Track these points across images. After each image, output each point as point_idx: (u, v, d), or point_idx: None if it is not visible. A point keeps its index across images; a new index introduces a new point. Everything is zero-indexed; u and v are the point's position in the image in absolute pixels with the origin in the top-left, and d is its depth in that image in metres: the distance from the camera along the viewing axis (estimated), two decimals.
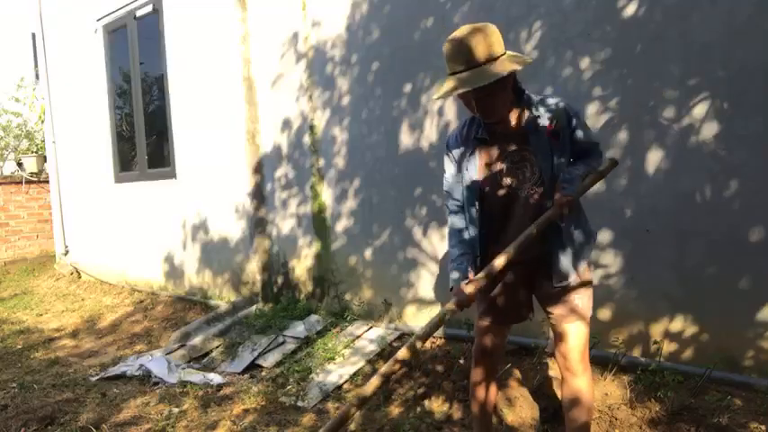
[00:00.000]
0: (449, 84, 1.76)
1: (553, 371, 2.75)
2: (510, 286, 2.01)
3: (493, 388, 2.13)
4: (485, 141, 1.92)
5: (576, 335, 1.94)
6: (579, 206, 1.93)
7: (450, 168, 2.03)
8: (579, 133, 1.89)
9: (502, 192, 1.90)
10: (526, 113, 1.86)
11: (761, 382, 2.35)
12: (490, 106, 1.80)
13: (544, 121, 1.84)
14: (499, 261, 1.81)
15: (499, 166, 1.89)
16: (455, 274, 1.95)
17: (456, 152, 1.99)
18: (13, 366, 3.96)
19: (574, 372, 1.95)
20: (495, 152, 1.91)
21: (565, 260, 1.89)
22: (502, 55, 1.75)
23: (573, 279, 1.91)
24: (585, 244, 1.96)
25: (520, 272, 1.99)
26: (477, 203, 1.93)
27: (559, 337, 1.96)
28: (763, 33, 2.34)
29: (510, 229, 1.91)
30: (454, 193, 2.02)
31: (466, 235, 2.00)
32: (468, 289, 1.83)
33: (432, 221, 3.43)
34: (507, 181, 1.89)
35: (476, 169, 1.93)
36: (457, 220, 2.03)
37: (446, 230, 2.28)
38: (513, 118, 1.88)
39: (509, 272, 1.96)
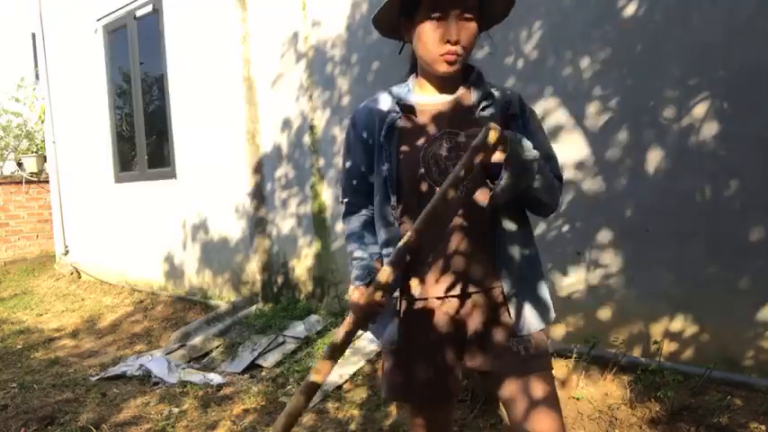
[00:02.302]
0: None
1: None
2: (434, 337, 1.38)
3: None
4: (410, 114, 1.42)
5: (550, 414, 1.30)
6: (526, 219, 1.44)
7: (356, 153, 1.50)
8: (538, 135, 1.41)
9: (425, 187, 1.36)
10: (472, 92, 1.41)
11: (761, 382, 2.35)
12: (468, 38, 1.33)
13: (495, 105, 1.39)
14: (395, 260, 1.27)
15: (426, 152, 1.38)
16: (356, 273, 1.45)
17: (366, 131, 1.49)
18: (13, 366, 3.97)
19: None
20: (422, 134, 1.40)
21: (542, 293, 1.40)
22: None
23: (541, 326, 1.37)
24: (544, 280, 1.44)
25: (451, 310, 1.38)
26: (394, 200, 1.40)
27: (525, 416, 1.30)
28: (763, 33, 2.34)
29: (438, 242, 1.36)
30: (358, 187, 1.51)
31: (373, 243, 1.51)
32: (355, 296, 1.36)
33: None
34: (434, 173, 1.36)
35: (394, 154, 1.40)
36: (360, 225, 1.54)
37: None
38: (456, 92, 1.43)
39: (430, 307, 1.38)
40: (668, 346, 2.62)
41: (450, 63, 1.34)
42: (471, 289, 1.36)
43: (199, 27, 4.89)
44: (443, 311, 1.38)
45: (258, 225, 4.51)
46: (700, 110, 2.48)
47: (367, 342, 3.48)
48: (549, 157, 1.41)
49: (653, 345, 2.64)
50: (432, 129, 1.40)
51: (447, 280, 1.36)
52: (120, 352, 4.23)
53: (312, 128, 4.10)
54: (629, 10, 2.64)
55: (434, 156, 1.37)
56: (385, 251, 1.45)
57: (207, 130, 4.90)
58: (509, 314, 1.35)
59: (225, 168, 4.76)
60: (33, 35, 7.10)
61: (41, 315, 5.53)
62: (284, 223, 4.37)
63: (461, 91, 1.43)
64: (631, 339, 2.72)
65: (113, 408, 3.06)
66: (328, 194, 4.04)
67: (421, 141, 1.39)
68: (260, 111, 4.47)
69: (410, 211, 1.39)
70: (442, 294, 1.37)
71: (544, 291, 1.42)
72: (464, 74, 1.43)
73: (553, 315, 1.43)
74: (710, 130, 2.46)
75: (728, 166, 2.43)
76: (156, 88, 5.69)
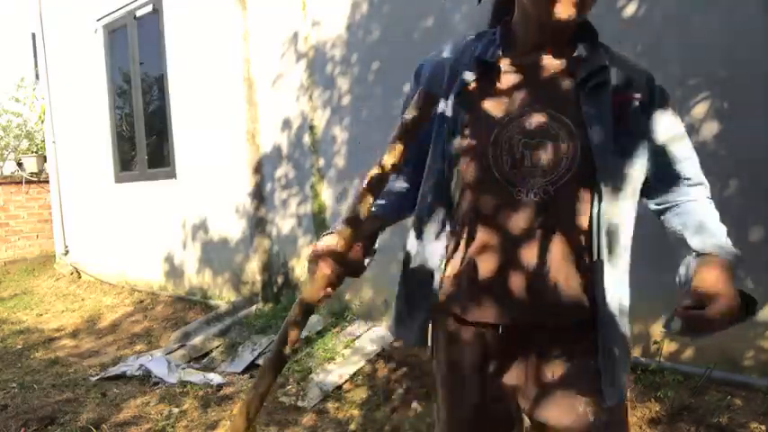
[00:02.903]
0: None
1: None
2: (490, 371, 1.09)
3: None
4: (490, 77, 1.04)
5: None
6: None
7: (410, 112, 0.97)
8: (684, 142, 1.09)
9: (486, 183, 1.02)
10: (582, 58, 1.03)
11: (761, 382, 2.35)
12: None
13: (616, 81, 1.02)
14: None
15: (501, 134, 1.00)
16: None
17: (430, 87, 1.09)
18: (13, 366, 3.96)
19: None
20: (499, 107, 1.02)
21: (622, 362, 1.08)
22: None
23: (621, 400, 1.08)
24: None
25: (522, 343, 1.07)
26: (450, 186, 1.06)
27: None
28: (763, 33, 2.34)
29: (500, 255, 1.03)
30: (411, 159, 1.10)
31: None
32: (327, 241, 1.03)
33: None
34: (505, 164, 1.00)
35: (459, 129, 1.04)
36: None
37: None
38: (558, 56, 1.04)
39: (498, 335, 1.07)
40: (668, 346, 2.62)
41: (573, 5, 0.95)
42: (543, 319, 1.04)
43: (199, 27, 4.89)
44: (494, 338, 1.07)
45: (258, 225, 4.51)
46: (700, 110, 2.48)
47: (367, 342, 3.48)
48: (698, 180, 1.17)
49: (653, 345, 2.64)
50: (514, 102, 1.01)
51: (509, 301, 1.03)
52: (120, 352, 4.23)
53: (312, 128, 4.10)
54: (629, 10, 2.64)
55: (509, 141, 0.99)
56: (436, 261, 1.10)
57: (207, 130, 4.90)
58: (593, 368, 1.04)
59: (225, 168, 4.76)
60: (33, 35, 7.10)
61: (41, 315, 5.53)
62: (284, 223, 4.37)
63: (565, 55, 1.04)
64: (631, 339, 2.72)
65: (113, 408, 3.06)
66: (328, 194, 4.04)
67: (496, 116, 1.01)
68: (260, 111, 4.47)
69: (467, 213, 1.05)
70: (492, 320, 1.05)
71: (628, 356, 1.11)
72: (574, 33, 1.05)
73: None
74: (710, 130, 2.46)
75: (728, 166, 2.43)
76: (156, 88, 5.69)
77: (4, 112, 8.36)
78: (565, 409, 1.05)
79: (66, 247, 6.97)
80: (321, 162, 4.07)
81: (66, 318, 5.33)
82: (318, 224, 4.12)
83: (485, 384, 1.10)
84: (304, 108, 4.14)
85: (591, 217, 1.01)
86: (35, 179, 7.76)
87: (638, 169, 1.04)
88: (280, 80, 4.29)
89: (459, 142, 1.04)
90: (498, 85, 1.04)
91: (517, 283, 1.02)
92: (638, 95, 1.03)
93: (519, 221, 1.01)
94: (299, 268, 4.29)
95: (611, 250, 1.05)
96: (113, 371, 3.67)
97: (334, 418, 2.77)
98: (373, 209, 1.05)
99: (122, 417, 2.94)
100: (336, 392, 3.03)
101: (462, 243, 1.06)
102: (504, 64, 1.05)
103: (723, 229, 1.07)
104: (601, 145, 0.98)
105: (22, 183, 7.68)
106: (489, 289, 1.04)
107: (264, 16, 4.36)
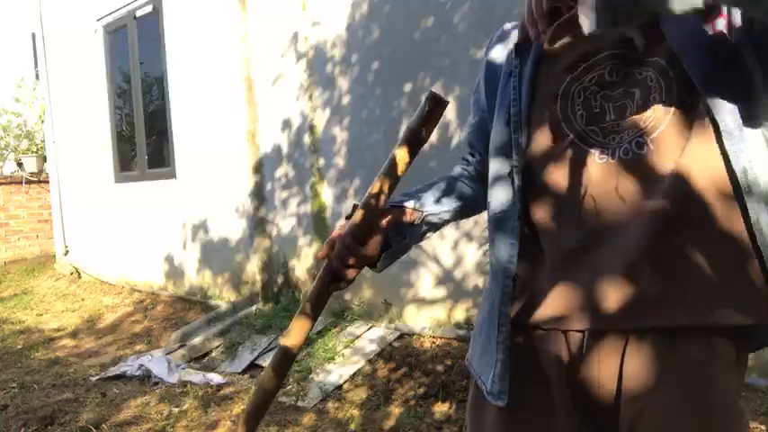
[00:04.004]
0: None
1: None
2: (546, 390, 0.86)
3: None
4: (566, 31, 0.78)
5: None
6: None
7: (480, 83, 1.00)
8: None
9: (558, 145, 0.84)
10: None
11: (761, 382, 2.35)
12: None
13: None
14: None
15: (572, 84, 0.83)
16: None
17: (499, 51, 0.97)
18: (13, 366, 3.96)
19: None
20: (571, 54, 0.83)
21: None
22: None
23: None
24: None
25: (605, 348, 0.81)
26: (517, 166, 0.87)
27: None
28: None
29: (575, 239, 0.82)
30: (475, 130, 1.05)
31: (430, 193, 1.07)
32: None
33: None
34: (576, 124, 0.82)
35: (526, 88, 0.87)
36: (444, 176, 1.12)
37: (445, 230, 2.17)
38: None
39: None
40: None
41: None
42: (674, 320, 0.76)
43: (199, 27, 4.89)
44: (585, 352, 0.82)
45: (258, 225, 4.51)
46: None
47: (367, 342, 3.48)
48: None
49: None
50: (589, 45, 0.81)
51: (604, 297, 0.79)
52: (120, 352, 4.23)
53: (312, 128, 4.10)
54: None
55: (583, 92, 0.81)
56: (505, 263, 0.88)
57: (207, 130, 4.90)
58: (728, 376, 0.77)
59: (225, 168, 4.76)
60: (33, 35, 7.11)
61: (41, 315, 5.53)
62: (284, 223, 4.37)
63: None
64: None
65: (113, 408, 3.06)
66: (328, 194, 4.04)
67: (567, 65, 0.83)
68: (260, 111, 4.47)
69: (540, 190, 0.85)
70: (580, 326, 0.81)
71: None
72: None
73: None
74: None
75: None
76: (156, 88, 5.69)
77: (4, 112, 8.35)
78: None
79: (66, 247, 6.97)
80: (321, 162, 4.07)
81: (67, 318, 5.33)
82: (318, 224, 4.12)
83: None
84: (304, 108, 4.14)
85: (720, 161, 0.74)
86: (35, 179, 7.76)
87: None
88: (280, 80, 4.29)
89: (522, 105, 0.87)
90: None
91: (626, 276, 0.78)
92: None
93: (605, 188, 0.78)
94: (299, 268, 4.29)
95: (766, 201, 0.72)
96: (113, 371, 3.67)
97: (334, 418, 2.77)
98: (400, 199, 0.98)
99: (122, 417, 2.94)
100: (336, 392, 3.04)
101: (543, 239, 0.86)
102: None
103: None
104: (699, 69, 0.74)
105: (22, 183, 7.68)
106: (584, 283, 0.81)
107: (264, 16, 4.36)
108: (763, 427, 2.16)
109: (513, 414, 0.86)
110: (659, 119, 0.76)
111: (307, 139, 4.14)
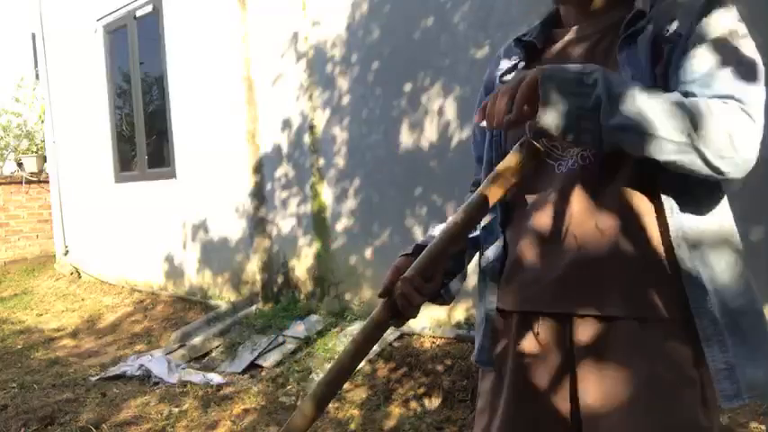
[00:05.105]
0: None
1: None
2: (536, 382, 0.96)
3: None
4: (532, 52, 1.02)
5: None
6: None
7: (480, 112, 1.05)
8: (702, 51, 0.84)
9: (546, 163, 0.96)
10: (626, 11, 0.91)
11: None
12: None
13: (657, 24, 0.87)
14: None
15: None
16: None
17: (489, 81, 1.10)
18: (13, 366, 3.96)
19: None
20: None
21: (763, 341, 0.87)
22: None
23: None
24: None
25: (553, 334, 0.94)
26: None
27: None
28: (763, 33, 2.33)
29: (535, 238, 0.95)
30: (476, 154, 1.13)
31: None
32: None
33: (432, 221, 3.43)
34: (543, 143, 0.91)
35: None
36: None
37: None
38: (602, 20, 0.96)
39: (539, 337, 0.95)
40: None
41: None
42: (612, 310, 0.88)
43: (199, 27, 4.89)
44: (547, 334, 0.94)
45: (258, 225, 4.51)
46: None
47: None
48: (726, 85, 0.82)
49: None
50: None
51: (557, 287, 0.92)
52: (120, 352, 4.23)
53: (312, 128, 4.10)
54: None
55: None
56: (484, 263, 1.04)
57: (207, 130, 4.90)
58: (695, 360, 0.85)
59: (225, 168, 4.76)
60: (33, 35, 7.11)
61: (41, 315, 5.53)
62: (284, 223, 4.37)
63: (612, 17, 0.94)
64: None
65: (113, 408, 3.06)
66: (328, 194, 4.04)
67: None
68: (260, 111, 4.47)
69: (519, 205, 0.99)
70: (543, 309, 0.94)
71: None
72: None
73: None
74: None
75: None
76: (156, 88, 5.69)
77: (4, 112, 8.35)
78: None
79: (66, 247, 6.97)
80: (321, 162, 4.07)
81: (67, 318, 5.33)
82: (318, 224, 4.12)
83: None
84: (304, 108, 4.14)
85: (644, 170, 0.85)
86: (35, 179, 7.76)
87: None
88: (280, 80, 4.29)
89: (498, 132, 1.01)
90: (540, 62, 0.99)
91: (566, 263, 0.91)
92: (674, 26, 0.86)
93: (559, 195, 0.92)
94: (299, 268, 4.29)
95: (688, 194, 0.85)
96: (113, 371, 3.67)
97: (334, 418, 2.77)
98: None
99: (122, 417, 2.94)
100: (336, 392, 3.03)
101: (515, 234, 0.99)
102: (553, 39, 1.02)
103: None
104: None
105: (22, 183, 7.68)
106: (544, 274, 0.93)
107: (264, 16, 4.36)
108: (762, 427, 2.16)
109: (494, 380, 1.02)
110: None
111: (307, 139, 4.14)
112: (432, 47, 3.34)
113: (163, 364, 3.63)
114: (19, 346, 4.48)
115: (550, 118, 0.77)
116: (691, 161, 0.78)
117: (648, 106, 0.77)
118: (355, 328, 3.67)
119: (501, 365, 1.00)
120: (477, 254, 1.08)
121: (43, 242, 7.83)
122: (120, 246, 6.03)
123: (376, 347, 3.36)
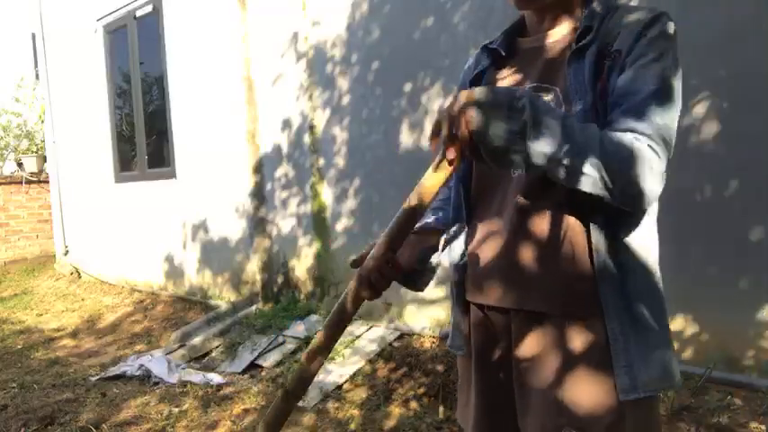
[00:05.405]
0: None
1: None
2: (485, 369, 1.09)
3: None
4: (498, 60, 1.10)
5: None
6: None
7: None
8: (630, 74, 0.89)
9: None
10: (580, 25, 0.97)
11: (761, 382, 2.35)
12: None
13: (603, 40, 0.94)
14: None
15: None
16: None
17: (461, 85, 1.18)
18: (13, 366, 3.96)
19: None
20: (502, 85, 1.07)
21: (661, 342, 0.99)
22: None
23: (669, 385, 0.97)
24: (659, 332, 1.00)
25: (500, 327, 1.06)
26: (463, 179, 1.11)
27: None
28: (763, 33, 2.34)
29: (485, 236, 1.05)
30: None
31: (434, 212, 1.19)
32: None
33: None
34: None
35: None
36: None
37: None
38: (561, 30, 1.02)
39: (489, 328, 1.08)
40: None
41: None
42: (539, 306, 0.98)
43: (199, 27, 4.89)
44: (498, 327, 1.06)
45: (258, 225, 4.51)
46: (700, 110, 2.48)
47: (367, 342, 3.48)
48: (643, 98, 0.87)
49: None
50: (512, 81, 1.05)
51: (485, 278, 1.04)
52: (120, 352, 4.23)
53: (312, 128, 4.10)
54: None
55: None
56: (455, 254, 1.12)
57: (207, 130, 4.90)
58: (608, 362, 0.93)
59: (225, 168, 4.76)
60: (33, 35, 7.10)
61: (41, 315, 5.53)
62: (284, 223, 4.37)
63: (568, 23, 1.01)
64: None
65: (113, 408, 3.06)
66: (328, 194, 4.04)
67: None
68: (260, 111, 4.47)
69: (480, 203, 1.07)
70: (489, 302, 1.05)
71: (665, 336, 1.00)
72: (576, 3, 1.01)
73: (673, 381, 0.98)
74: (710, 129, 2.46)
75: (728, 165, 2.43)
76: (156, 88, 5.69)
77: (4, 112, 8.35)
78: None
79: (66, 247, 6.97)
80: (321, 162, 4.07)
81: (67, 318, 5.33)
82: (318, 224, 4.12)
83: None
84: (304, 108, 4.14)
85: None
86: (35, 179, 7.76)
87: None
88: (280, 80, 4.29)
89: None
90: (510, 68, 1.07)
91: (510, 262, 1.01)
92: (616, 44, 0.92)
93: (508, 197, 1.01)
94: (299, 268, 4.29)
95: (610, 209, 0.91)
96: (113, 371, 3.67)
97: (334, 418, 2.77)
98: (427, 220, 1.15)
99: (122, 417, 2.94)
100: (336, 392, 3.03)
101: (473, 230, 1.08)
102: (518, 47, 1.09)
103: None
104: (581, 111, 0.92)
105: (22, 183, 7.68)
106: (490, 271, 1.04)
107: (264, 16, 4.36)
108: (762, 427, 2.16)
109: (467, 361, 1.14)
110: None
111: (307, 139, 4.14)
112: (432, 47, 3.34)
113: (163, 364, 3.63)
114: (19, 346, 4.48)
115: (483, 139, 0.83)
116: (602, 194, 0.85)
117: (566, 137, 0.82)
118: (355, 328, 3.67)
119: (468, 349, 1.13)
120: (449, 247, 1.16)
121: (43, 242, 7.83)
122: (120, 246, 6.03)
123: (376, 347, 3.37)
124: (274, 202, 4.43)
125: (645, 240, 0.97)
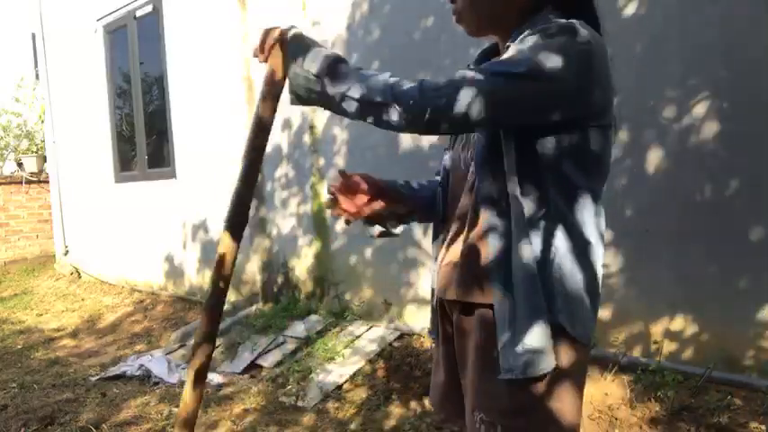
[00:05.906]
0: None
1: None
2: (441, 349, 1.25)
3: None
4: None
5: None
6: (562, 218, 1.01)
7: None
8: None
9: (459, 174, 1.15)
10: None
11: (761, 382, 2.35)
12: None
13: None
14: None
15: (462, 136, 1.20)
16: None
17: None
18: (13, 366, 3.97)
19: None
20: None
21: (534, 327, 0.98)
22: None
23: (542, 368, 0.98)
24: (576, 298, 1.07)
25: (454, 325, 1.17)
26: (443, 180, 1.25)
27: None
28: (763, 33, 2.34)
29: (448, 232, 1.17)
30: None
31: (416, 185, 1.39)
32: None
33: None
34: (465, 156, 1.15)
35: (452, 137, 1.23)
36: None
37: None
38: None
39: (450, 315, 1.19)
40: (668, 346, 2.62)
41: (452, 13, 1.13)
42: (454, 295, 1.11)
43: (199, 27, 4.89)
44: (450, 317, 1.19)
45: (258, 225, 4.51)
46: (700, 110, 2.48)
47: (367, 342, 3.48)
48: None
49: (653, 345, 2.64)
50: None
51: (441, 274, 1.16)
52: (120, 352, 4.23)
53: (312, 128, 4.10)
54: (629, 10, 2.64)
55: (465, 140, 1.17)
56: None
57: (207, 130, 4.90)
58: (495, 348, 1.02)
59: (225, 168, 4.76)
60: (33, 35, 7.10)
61: (41, 315, 5.53)
62: (284, 223, 4.37)
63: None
64: (631, 339, 2.72)
65: (113, 408, 3.06)
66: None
67: None
68: None
69: (451, 206, 1.18)
70: (437, 293, 1.20)
71: (539, 322, 0.98)
72: (534, 10, 1.05)
73: (547, 364, 0.98)
74: (710, 129, 2.46)
75: (728, 165, 2.43)
76: (156, 88, 5.69)
77: (4, 112, 8.35)
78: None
79: (66, 247, 6.97)
80: (321, 162, 4.07)
81: (67, 318, 5.33)
82: (318, 224, 4.12)
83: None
84: (304, 108, 4.13)
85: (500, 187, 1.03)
86: (35, 179, 7.76)
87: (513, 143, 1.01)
88: None
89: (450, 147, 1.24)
90: None
91: (451, 258, 1.13)
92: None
93: (465, 199, 1.11)
94: (299, 268, 4.29)
95: (539, 204, 1.00)
96: (113, 371, 3.67)
97: (334, 418, 2.77)
98: (413, 185, 1.35)
99: (122, 417, 2.95)
100: (336, 392, 3.03)
101: (447, 229, 1.19)
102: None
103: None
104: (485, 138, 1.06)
105: (22, 183, 7.68)
106: (442, 266, 1.16)
107: (264, 16, 4.35)
108: (763, 427, 2.16)
109: (438, 346, 1.26)
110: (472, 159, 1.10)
111: (307, 139, 4.14)
112: (432, 47, 3.34)
113: (163, 364, 3.63)
114: (19, 346, 4.48)
115: (291, 71, 1.11)
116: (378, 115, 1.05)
117: (364, 78, 1.03)
118: (355, 327, 3.67)
119: (437, 334, 1.26)
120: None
121: (43, 242, 7.83)
122: (120, 246, 6.03)
123: (376, 347, 3.36)
124: (274, 202, 4.43)
125: (559, 238, 1.02)
